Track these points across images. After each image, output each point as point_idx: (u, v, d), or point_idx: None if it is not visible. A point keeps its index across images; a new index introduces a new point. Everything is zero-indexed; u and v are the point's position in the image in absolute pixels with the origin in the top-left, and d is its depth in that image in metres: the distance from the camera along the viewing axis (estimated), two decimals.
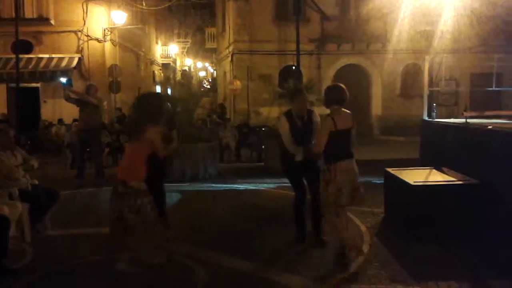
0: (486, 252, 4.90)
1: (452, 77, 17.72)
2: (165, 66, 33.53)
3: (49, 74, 17.32)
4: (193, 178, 9.50)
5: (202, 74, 49.79)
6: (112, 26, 19.13)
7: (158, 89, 27.81)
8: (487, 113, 7.65)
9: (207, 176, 9.80)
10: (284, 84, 10.82)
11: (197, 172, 9.68)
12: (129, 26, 20.60)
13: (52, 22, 18.11)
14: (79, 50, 18.48)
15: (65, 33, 18.42)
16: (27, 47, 17.83)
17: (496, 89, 8.93)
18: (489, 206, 5.24)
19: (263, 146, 12.54)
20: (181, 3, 29.31)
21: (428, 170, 6.39)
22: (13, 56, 15.93)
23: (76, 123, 11.61)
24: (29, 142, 14.71)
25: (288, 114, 5.44)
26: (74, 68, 17.76)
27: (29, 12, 17.98)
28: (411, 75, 20.20)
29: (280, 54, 19.95)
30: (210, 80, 47.87)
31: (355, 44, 20.24)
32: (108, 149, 12.60)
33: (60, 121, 16.68)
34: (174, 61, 36.52)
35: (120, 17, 18.67)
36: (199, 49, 39.09)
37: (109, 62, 18.86)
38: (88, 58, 18.59)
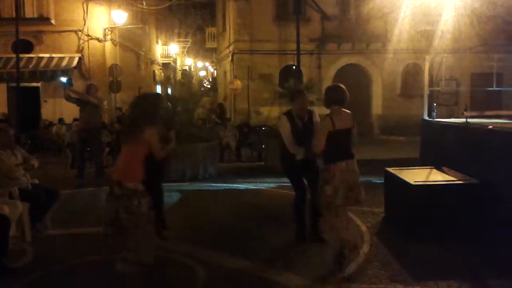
0: (486, 252, 4.90)
1: (452, 77, 17.73)
2: (165, 66, 33.52)
3: (49, 74, 17.33)
4: (193, 177, 9.51)
5: (202, 73, 49.79)
6: (112, 26, 19.13)
7: (158, 88, 27.82)
8: (488, 113, 7.65)
9: (207, 175, 9.81)
10: (284, 83, 10.83)
11: (197, 171, 9.68)
12: (129, 26, 20.60)
13: (53, 21, 18.12)
14: (80, 50, 18.49)
15: (66, 32, 18.43)
16: (28, 47, 17.84)
17: (497, 89, 8.93)
18: (490, 206, 5.24)
19: (263, 146, 12.54)
20: (182, 2, 29.30)
21: (428, 169, 6.39)
22: (14, 55, 15.94)
23: (77, 122, 11.62)
24: (29, 142, 14.72)
25: (289, 115, 5.45)
26: (75, 67, 17.77)
27: (30, 11, 17.99)
28: (412, 74, 20.20)
29: (281, 53, 19.95)
30: (210, 79, 47.88)
31: (356, 43, 20.25)
32: (108, 149, 12.60)
33: (61, 120, 16.69)
34: (175, 61, 36.52)
35: (121, 16, 18.67)
36: (200, 48, 39.07)
37: (109, 61, 18.87)
38: (89, 57, 18.59)
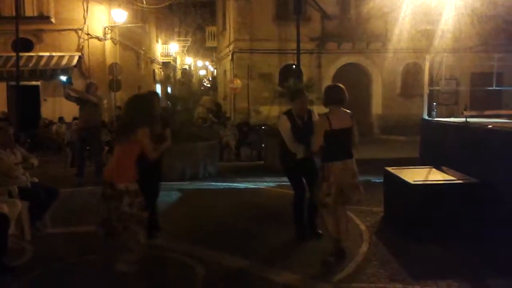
0: (486, 252, 4.90)
1: (452, 76, 17.73)
2: (165, 65, 33.50)
3: (49, 72, 17.32)
4: (193, 176, 9.51)
5: (202, 72, 49.80)
6: (112, 25, 19.12)
7: (158, 87, 27.81)
8: (487, 112, 7.64)
9: (207, 174, 9.81)
10: (284, 83, 10.82)
11: (197, 170, 9.68)
12: (129, 25, 20.58)
13: (53, 20, 18.11)
14: (80, 49, 18.48)
15: (66, 31, 18.41)
16: (28, 45, 17.83)
17: (497, 88, 8.92)
18: (489, 206, 5.24)
19: (263, 145, 12.55)
20: (182, 1, 29.29)
21: (428, 169, 6.38)
22: (14, 54, 15.92)
23: (76, 121, 11.61)
24: (29, 140, 14.72)
25: (289, 114, 5.46)
26: (75, 66, 17.76)
27: (30, 10, 17.98)
28: (412, 74, 20.19)
29: (281, 53, 19.94)
30: (210, 78, 47.90)
31: (356, 43, 20.23)
32: (108, 148, 12.58)
33: (61, 119, 16.68)
34: (175, 60, 36.50)
35: (121, 15, 18.66)
36: (200, 47, 39.08)
37: (109, 60, 18.86)
38: (89, 56, 18.58)
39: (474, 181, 5.50)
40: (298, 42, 14.57)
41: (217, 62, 31.66)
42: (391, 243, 5.35)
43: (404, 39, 16.17)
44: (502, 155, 5.31)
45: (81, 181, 8.82)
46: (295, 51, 15.16)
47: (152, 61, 29.47)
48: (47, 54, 17.89)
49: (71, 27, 18.38)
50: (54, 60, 17.70)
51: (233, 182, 9.28)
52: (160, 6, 24.68)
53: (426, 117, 7.92)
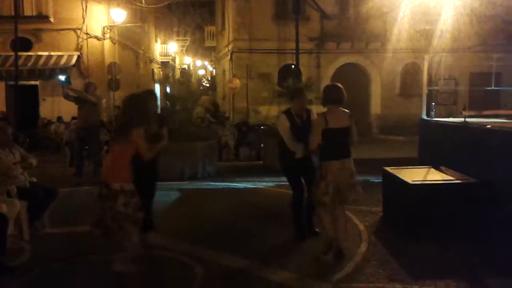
0: (485, 252, 4.90)
1: (451, 76, 17.75)
2: (164, 64, 33.46)
3: (48, 72, 17.28)
4: (192, 176, 9.51)
5: (201, 72, 49.75)
6: (111, 24, 19.09)
7: (157, 87, 27.78)
8: (486, 112, 7.65)
9: (206, 174, 9.80)
10: (283, 82, 10.82)
11: (196, 170, 9.67)
12: (128, 24, 20.55)
13: (52, 19, 18.07)
14: (78, 48, 18.44)
15: (65, 31, 18.37)
16: (26, 45, 17.79)
17: (495, 88, 8.92)
18: (488, 205, 5.24)
19: (262, 145, 12.54)
20: (181, 1, 29.25)
21: (427, 169, 6.39)
22: (12, 53, 15.88)
23: (75, 121, 11.59)
24: (27, 140, 14.70)
25: (288, 113, 5.46)
26: (73, 66, 17.72)
27: (29, 9, 17.94)
28: (410, 74, 20.21)
29: (280, 52, 19.94)
30: (209, 78, 47.88)
31: (355, 43, 20.24)
32: (107, 147, 12.57)
33: (59, 119, 16.66)
34: (173, 59, 36.46)
35: (120, 15, 18.64)
36: (199, 47, 39.03)
37: (108, 60, 18.83)
38: (87, 56, 18.55)
39: (473, 181, 5.50)
40: (297, 42, 14.55)
41: (216, 62, 31.65)
42: (390, 243, 5.36)
43: (403, 39, 16.20)
44: (501, 155, 5.32)
45: (80, 180, 8.82)
46: (294, 51, 15.14)
47: (151, 60, 29.44)
48: (46, 53, 17.85)
49: (70, 26, 18.34)
50: (53, 60, 17.67)
51: (232, 182, 9.28)
52: (159, 5, 24.65)
53: (425, 117, 7.92)
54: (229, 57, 21.65)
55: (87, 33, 18.51)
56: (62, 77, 16.75)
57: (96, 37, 18.71)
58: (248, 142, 14.05)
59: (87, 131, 8.92)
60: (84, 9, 18.34)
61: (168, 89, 16.96)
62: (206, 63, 48.20)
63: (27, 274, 4.52)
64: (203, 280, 4.39)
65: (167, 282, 4.40)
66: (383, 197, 6.52)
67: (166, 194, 7.72)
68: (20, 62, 16.13)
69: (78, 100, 8.88)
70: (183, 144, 9.30)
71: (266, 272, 4.54)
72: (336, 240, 4.86)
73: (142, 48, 26.20)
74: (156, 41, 31.74)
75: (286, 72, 18.21)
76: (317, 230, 5.45)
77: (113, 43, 19.68)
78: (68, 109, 14.05)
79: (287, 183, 5.63)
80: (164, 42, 33.80)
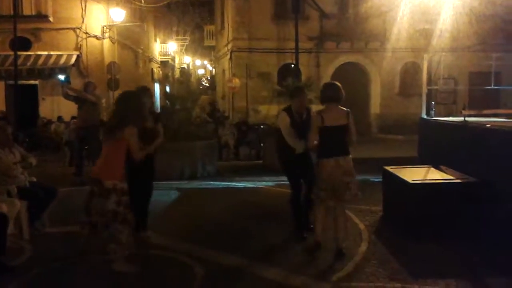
0: (485, 251, 4.91)
1: (450, 75, 17.77)
2: (163, 64, 33.45)
3: (47, 71, 17.26)
4: (192, 176, 9.50)
5: (201, 72, 49.73)
6: (110, 24, 19.08)
7: (156, 86, 27.78)
8: (486, 111, 7.66)
9: (205, 174, 9.80)
10: (283, 82, 10.82)
11: (196, 170, 9.67)
12: (127, 24, 20.55)
13: (51, 19, 18.06)
14: (78, 48, 18.43)
15: (64, 30, 18.35)
16: (26, 44, 17.78)
17: (495, 87, 8.93)
18: (488, 205, 5.24)
19: (261, 144, 12.54)
20: (180, 0, 29.25)
21: (427, 168, 6.39)
22: (12, 53, 15.83)
23: (75, 120, 11.59)
24: (27, 140, 14.69)
25: (288, 110, 5.47)
26: (73, 65, 17.71)
27: (28, 9, 17.92)
28: (410, 73, 20.20)
29: (279, 52, 19.93)
30: (209, 78, 47.86)
31: (354, 42, 20.23)
32: None
33: (59, 118, 16.66)
34: (173, 59, 36.45)
35: (119, 14, 18.63)
36: (198, 46, 39.05)
37: (107, 59, 18.83)
38: (87, 55, 18.54)
39: (472, 180, 5.50)
40: (297, 41, 14.54)
41: (215, 61, 31.65)
42: (390, 242, 5.36)
43: (402, 38, 16.19)
44: (501, 154, 5.32)
45: (80, 180, 8.81)
46: (293, 50, 15.11)
47: (151, 60, 29.43)
48: (45, 53, 17.84)
49: (69, 26, 18.32)
50: (52, 59, 17.66)
51: (232, 181, 9.28)
52: (158, 5, 24.65)
53: (425, 116, 7.93)
54: (228, 56, 21.64)
55: (86, 33, 18.50)
56: (61, 77, 16.63)
57: (96, 37, 18.70)
58: (248, 142, 14.06)
59: (87, 131, 8.92)
60: (83, 8, 18.32)
61: (167, 89, 16.95)
62: (205, 62, 48.19)
63: (27, 273, 4.52)
64: (203, 280, 4.39)
65: (167, 282, 4.40)
66: (383, 196, 6.52)
67: (165, 193, 7.72)
68: (20, 61, 16.11)
69: (78, 99, 8.88)
70: (183, 143, 9.30)
71: (266, 271, 4.54)
72: (335, 240, 4.88)
73: (142, 47, 26.19)
74: (155, 40, 31.72)
75: (285, 72, 18.19)
76: (312, 226, 5.39)
77: (112, 42, 19.67)
78: (67, 109, 14.05)
79: (287, 182, 5.63)
80: (163, 42, 33.79)
